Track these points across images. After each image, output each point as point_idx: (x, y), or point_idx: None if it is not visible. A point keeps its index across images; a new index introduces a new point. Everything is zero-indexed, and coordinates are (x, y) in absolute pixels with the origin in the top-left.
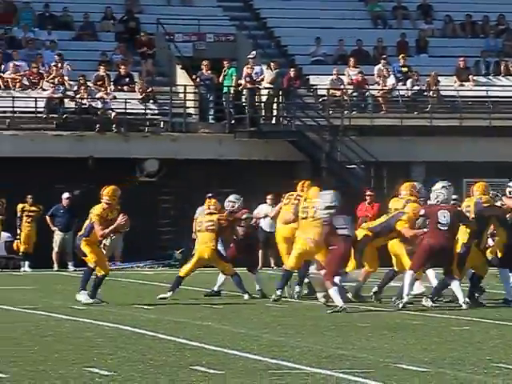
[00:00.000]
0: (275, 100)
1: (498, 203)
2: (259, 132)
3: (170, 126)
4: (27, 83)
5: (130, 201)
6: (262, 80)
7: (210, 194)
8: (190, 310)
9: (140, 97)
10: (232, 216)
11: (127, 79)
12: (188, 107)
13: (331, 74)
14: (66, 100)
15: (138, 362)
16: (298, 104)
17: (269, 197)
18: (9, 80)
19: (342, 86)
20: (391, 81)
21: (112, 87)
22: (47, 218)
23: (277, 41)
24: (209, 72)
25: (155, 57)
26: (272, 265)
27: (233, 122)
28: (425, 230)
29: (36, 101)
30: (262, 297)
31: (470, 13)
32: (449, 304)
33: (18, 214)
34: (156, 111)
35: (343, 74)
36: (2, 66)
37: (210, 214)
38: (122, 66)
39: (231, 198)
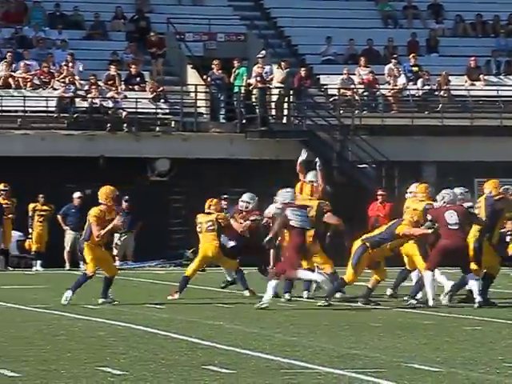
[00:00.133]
0: (286, 99)
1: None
2: (270, 131)
3: (181, 125)
4: (38, 82)
5: (142, 200)
6: (272, 79)
7: (226, 196)
8: (202, 309)
9: (151, 96)
10: (230, 218)
11: (138, 79)
12: (199, 107)
13: (342, 74)
14: (76, 99)
15: (150, 362)
16: (309, 103)
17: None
18: (20, 79)
19: (352, 86)
20: (402, 80)
21: (123, 87)
22: (59, 217)
23: (287, 40)
24: (219, 71)
25: (166, 56)
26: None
27: (244, 121)
28: (429, 231)
29: (47, 100)
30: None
31: (480, 12)
32: (457, 304)
33: (30, 214)
34: (167, 111)
35: (354, 74)
36: (13, 66)
37: (209, 213)
38: (133, 66)
39: (245, 197)
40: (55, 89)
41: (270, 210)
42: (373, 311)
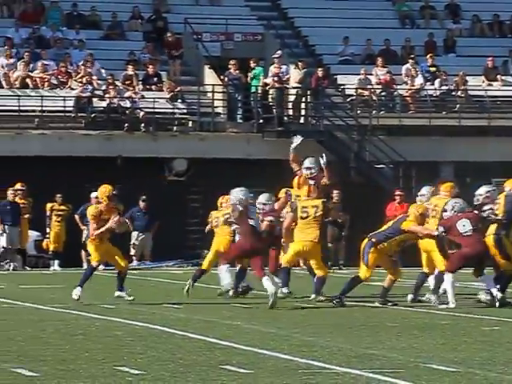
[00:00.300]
0: (303, 100)
1: None
2: (287, 132)
3: (198, 125)
4: (56, 82)
5: (159, 200)
6: (288, 79)
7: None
8: (220, 309)
9: (168, 96)
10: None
11: (155, 78)
12: (216, 107)
13: (359, 74)
14: (94, 99)
15: (168, 362)
16: (326, 104)
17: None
18: (37, 79)
19: (369, 86)
20: (419, 80)
21: (140, 86)
22: (76, 217)
23: (304, 40)
24: (237, 71)
25: (183, 56)
26: (301, 264)
27: (261, 121)
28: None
29: (64, 100)
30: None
31: (497, 12)
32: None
33: (47, 213)
34: (184, 111)
35: (371, 74)
36: (31, 66)
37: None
38: (150, 66)
39: (262, 199)
40: (73, 89)
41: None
42: (390, 311)
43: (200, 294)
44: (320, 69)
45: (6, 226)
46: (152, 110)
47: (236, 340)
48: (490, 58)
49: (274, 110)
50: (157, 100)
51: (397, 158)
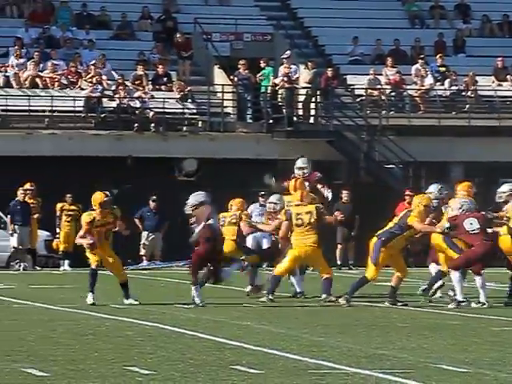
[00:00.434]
0: (313, 100)
1: None
2: (297, 132)
3: (208, 125)
4: (65, 82)
5: (169, 200)
6: (297, 79)
7: (263, 193)
8: (229, 309)
9: (178, 96)
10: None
11: (165, 79)
12: (226, 107)
13: (369, 74)
14: (104, 99)
15: (178, 361)
16: (336, 104)
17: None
18: (47, 79)
19: (379, 86)
20: (429, 81)
21: (150, 87)
22: None
23: (314, 40)
24: (246, 71)
25: (193, 56)
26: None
27: (270, 121)
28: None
29: (74, 100)
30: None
31: (507, 13)
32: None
33: (58, 213)
34: (194, 111)
35: (381, 74)
36: (41, 66)
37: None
38: (160, 66)
39: (273, 198)
40: (82, 89)
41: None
42: (400, 311)
43: (210, 294)
44: (330, 69)
45: (16, 226)
46: (162, 110)
47: (246, 340)
48: (500, 58)
49: (284, 110)
50: (167, 100)
51: (406, 158)
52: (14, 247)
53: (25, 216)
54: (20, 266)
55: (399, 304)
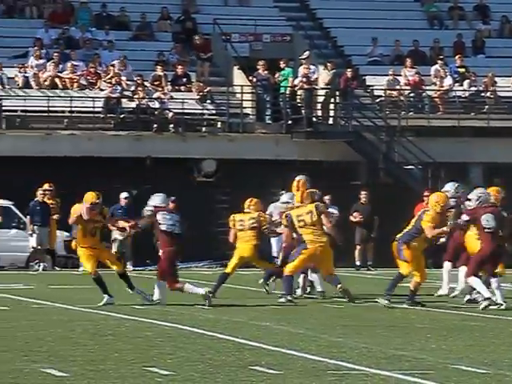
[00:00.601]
0: (332, 100)
1: None
2: (316, 132)
3: (227, 126)
4: (85, 83)
5: (188, 201)
6: (316, 80)
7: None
8: (248, 310)
9: (197, 97)
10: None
11: (184, 79)
12: (245, 107)
13: (388, 75)
14: (123, 100)
15: (198, 362)
16: (355, 104)
17: (326, 197)
18: (67, 80)
19: (398, 87)
20: (448, 81)
21: (169, 87)
22: None
23: (333, 41)
24: (265, 72)
25: (212, 58)
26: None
27: (290, 122)
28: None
29: (94, 101)
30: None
31: None
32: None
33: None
34: (213, 111)
35: (400, 75)
36: (60, 66)
37: (249, 213)
38: (179, 66)
39: (285, 198)
40: (102, 89)
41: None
42: (419, 312)
43: (229, 294)
44: (349, 70)
45: (36, 227)
46: (181, 111)
47: (265, 341)
48: None
49: (303, 111)
50: (186, 101)
51: (425, 158)
52: (33, 247)
53: (44, 216)
54: (39, 266)
55: (418, 306)
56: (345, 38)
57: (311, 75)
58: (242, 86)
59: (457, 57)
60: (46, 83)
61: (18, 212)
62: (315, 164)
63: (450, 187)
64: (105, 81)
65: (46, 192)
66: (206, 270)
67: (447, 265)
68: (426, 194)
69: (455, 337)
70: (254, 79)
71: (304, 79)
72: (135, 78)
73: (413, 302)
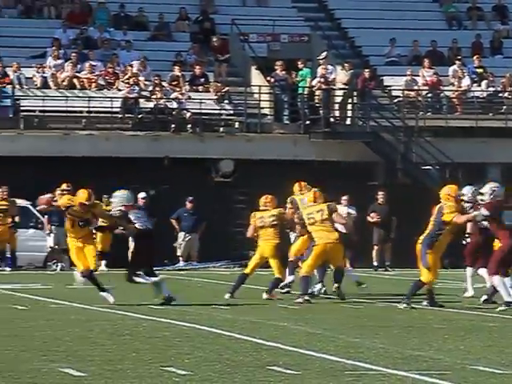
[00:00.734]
0: (350, 101)
1: None
2: (334, 133)
3: (245, 126)
4: (103, 83)
5: (206, 201)
6: (334, 80)
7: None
8: (266, 310)
9: (215, 97)
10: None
11: (202, 79)
12: (263, 108)
13: (406, 75)
14: (141, 100)
15: (215, 362)
16: (373, 105)
17: (344, 198)
18: (85, 80)
19: (416, 87)
20: (466, 82)
21: (187, 87)
22: None
23: (351, 41)
24: (283, 72)
25: (229, 60)
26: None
27: (307, 122)
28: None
29: (112, 101)
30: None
31: None
32: None
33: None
34: (231, 111)
35: (418, 75)
36: (78, 66)
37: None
38: (197, 67)
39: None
40: (120, 89)
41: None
42: (436, 313)
43: (247, 295)
44: (366, 70)
45: (53, 227)
46: (199, 111)
47: (283, 341)
48: None
49: (321, 111)
50: (203, 101)
51: (443, 159)
52: (50, 247)
53: (61, 216)
54: (57, 266)
55: (436, 305)
56: (363, 38)
57: (329, 75)
58: (259, 86)
59: (475, 57)
60: (64, 83)
61: (35, 212)
62: (333, 164)
63: (466, 191)
64: (123, 81)
65: (64, 192)
66: (223, 270)
67: (469, 270)
68: None
69: (473, 337)
70: (272, 79)
71: (322, 79)
72: (153, 79)
73: (433, 302)
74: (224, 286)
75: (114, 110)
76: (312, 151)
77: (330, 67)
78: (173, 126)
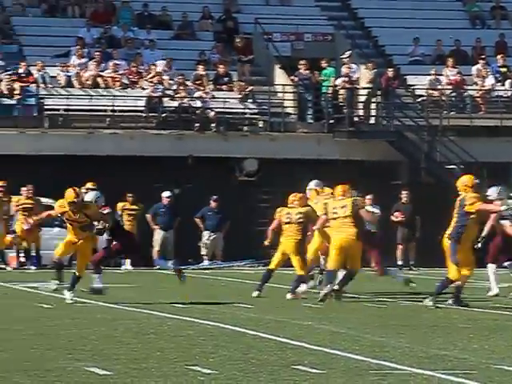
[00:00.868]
0: (374, 100)
1: None
2: (358, 132)
3: (269, 125)
4: (127, 82)
5: (230, 200)
6: (357, 79)
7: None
8: (290, 309)
9: (239, 96)
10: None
11: (226, 78)
12: (286, 107)
13: (429, 74)
14: (165, 99)
15: (240, 361)
16: (397, 104)
17: (368, 197)
18: (109, 79)
19: (440, 87)
20: (490, 81)
21: (211, 86)
22: (148, 216)
23: (374, 41)
24: (307, 71)
25: (253, 61)
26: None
27: (331, 121)
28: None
29: (136, 100)
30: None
31: None
32: None
33: (118, 213)
34: (255, 110)
35: (441, 75)
36: (102, 65)
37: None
38: (221, 66)
39: (312, 184)
40: (144, 88)
41: None
42: (461, 312)
43: (271, 293)
44: (390, 69)
45: None
46: (223, 110)
47: (307, 340)
48: None
49: (345, 110)
50: (227, 100)
51: (467, 158)
52: None
53: None
54: None
55: (461, 304)
56: (386, 37)
57: (352, 75)
58: (283, 85)
59: (499, 56)
60: (88, 82)
61: None
62: (356, 163)
63: (492, 192)
64: (147, 80)
65: (89, 191)
66: (248, 269)
67: (491, 266)
68: None
69: (498, 337)
70: (296, 78)
71: (346, 79)
72: (177, 78)
73: (458, 300)
74: (248, 285)
75: (138, 108)
76: (336, 150)
77: (353, 66)
78: (197, 124)
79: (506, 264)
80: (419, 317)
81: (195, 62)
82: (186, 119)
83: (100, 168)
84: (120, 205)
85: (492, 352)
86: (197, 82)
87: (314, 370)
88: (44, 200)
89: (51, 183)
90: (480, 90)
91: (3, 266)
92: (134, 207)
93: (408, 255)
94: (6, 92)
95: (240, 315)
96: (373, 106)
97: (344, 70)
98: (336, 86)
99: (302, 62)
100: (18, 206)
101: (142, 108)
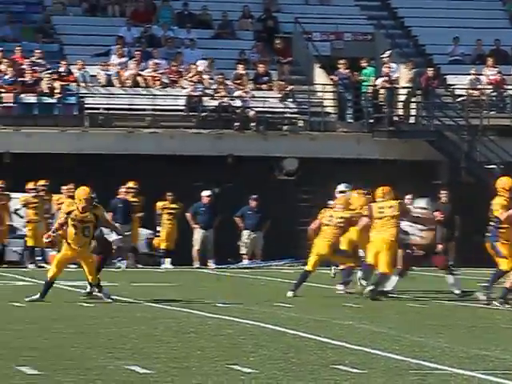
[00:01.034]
0: (414, 99)
1: None
2: (398, 131)
3: (309, 124)
4: (167, 81)
5: (270, 199)
6: (397, 79)
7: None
8: (331, 308)
9: (278, 95)
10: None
11: (265, 78)
12: (326, 106)
13: (469, 74)
14: (205, 98)
15: (280, 361)
16: (437, 104)
17: (408, 196)
18: (149, 78)
19: (480, 86)
20: None
21: (251, 86)
22: (188, 215)
23: (414, 40)
24: (346, 71)
25: (293, 56)
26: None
27: (371, 121)
28: None
29: (176, 99)
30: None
31: None
32: None
33: (159, 212)
34: (295, 110)
35: (481, 74)
36: (142, 64)
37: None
38: (260, 65)
39: (342, 187)
40: (184, 88)
41: None
42: (502, 312)
43: (309, 293)
44: (430, 69)
45: (117, 224)
46: (262, 109)
47: (347, 340)
48: None
49: (385, 110)
50: (267, 99)
51: (507, 158)
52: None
53: (125, 214)
54: (122, 263)
55: (506, 306)
56: (426, 37)
57: (392, 74)
58: (323, 84)
59: None
60: (128, 81)
61: None
62: (396, 163)
63: None
64: (186, 79)
65: (130, 190)
66: (287, 268)
67: None
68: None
69: None
70: (336, 78)
71: (386, 78)
72: (217, 77)
73: (505, 301)
74: (287, 285)
75: (178, 108)
76: (375, 150)
77: (393, 66)
78: (236, 124)
79: None
80: (459, 317)
81: (235, 61)
82: (226, 118)
83: (140, 167)
84: (160, 204)
85: None
86: (237, 82)
87: (354, 370)
88: None
89: (91, 182)
90: None
91: (44, 265)
92: (174, 206)
93: (447, 255)
94: (46, 91)
95: (280, 315)
96: (413, 105)
97: (384, 69)
98: (376, 85)
99: (341, 61)
100: (58, 204)
101: (182, 107)
